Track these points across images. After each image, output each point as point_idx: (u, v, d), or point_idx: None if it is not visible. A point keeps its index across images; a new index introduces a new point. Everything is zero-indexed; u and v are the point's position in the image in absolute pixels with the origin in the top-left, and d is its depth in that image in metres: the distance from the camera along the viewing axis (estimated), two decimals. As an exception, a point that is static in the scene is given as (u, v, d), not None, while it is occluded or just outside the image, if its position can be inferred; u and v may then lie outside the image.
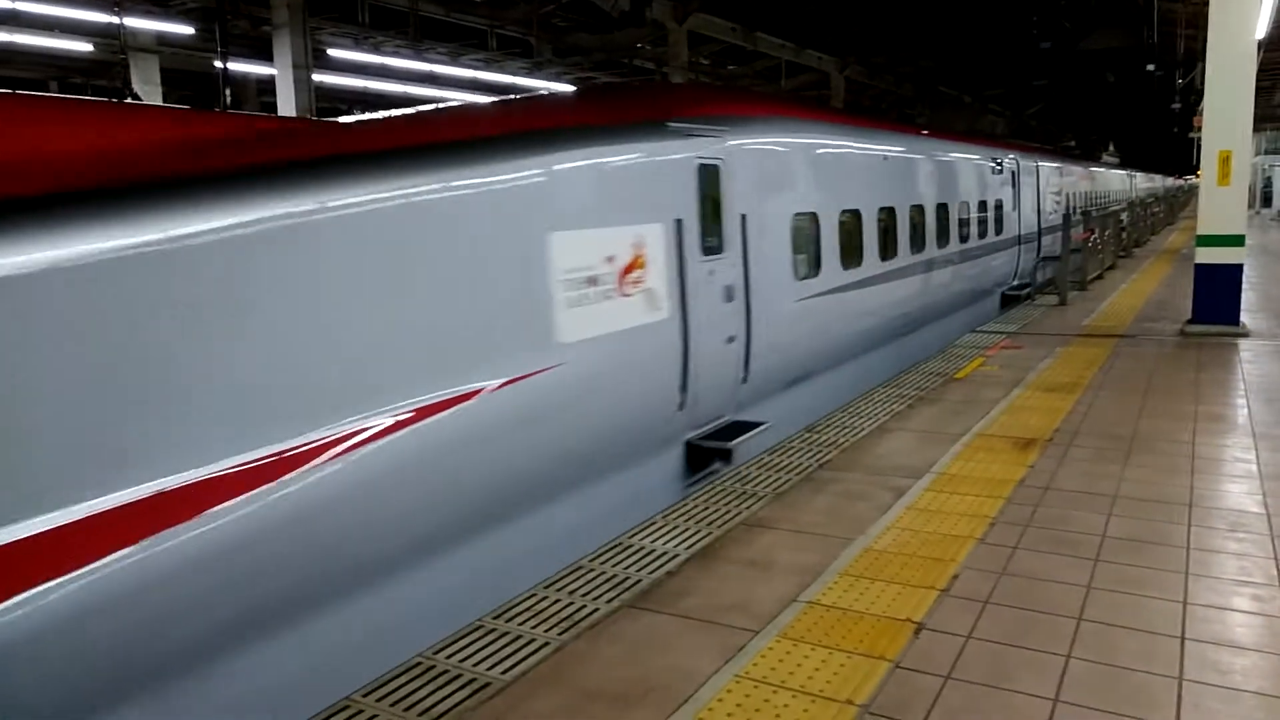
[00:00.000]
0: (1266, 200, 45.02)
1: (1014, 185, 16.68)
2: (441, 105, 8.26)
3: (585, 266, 5.67)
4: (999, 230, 15.53)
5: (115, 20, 14.10)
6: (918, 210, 11.56)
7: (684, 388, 6.66)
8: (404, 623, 4.57)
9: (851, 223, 9.65)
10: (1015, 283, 17.44)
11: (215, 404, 3.74)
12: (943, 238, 12.46)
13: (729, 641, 3.86)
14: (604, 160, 6.01)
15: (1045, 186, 19.44)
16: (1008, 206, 16.25)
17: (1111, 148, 48.15)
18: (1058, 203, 20.88)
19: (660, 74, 17.39)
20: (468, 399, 4.73)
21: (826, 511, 5.36)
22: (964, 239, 13.56)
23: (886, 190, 10.61)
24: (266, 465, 3.85)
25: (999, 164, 15.65)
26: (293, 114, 16.41)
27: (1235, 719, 3.21)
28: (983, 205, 14.61)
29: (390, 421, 4.35)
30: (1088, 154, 41.49)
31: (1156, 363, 9.30)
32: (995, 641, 3.79)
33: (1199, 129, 12.41)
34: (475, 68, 20.42)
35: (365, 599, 4.47)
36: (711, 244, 7.07)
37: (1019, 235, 17.11)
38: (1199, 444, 6.46)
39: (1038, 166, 18.88)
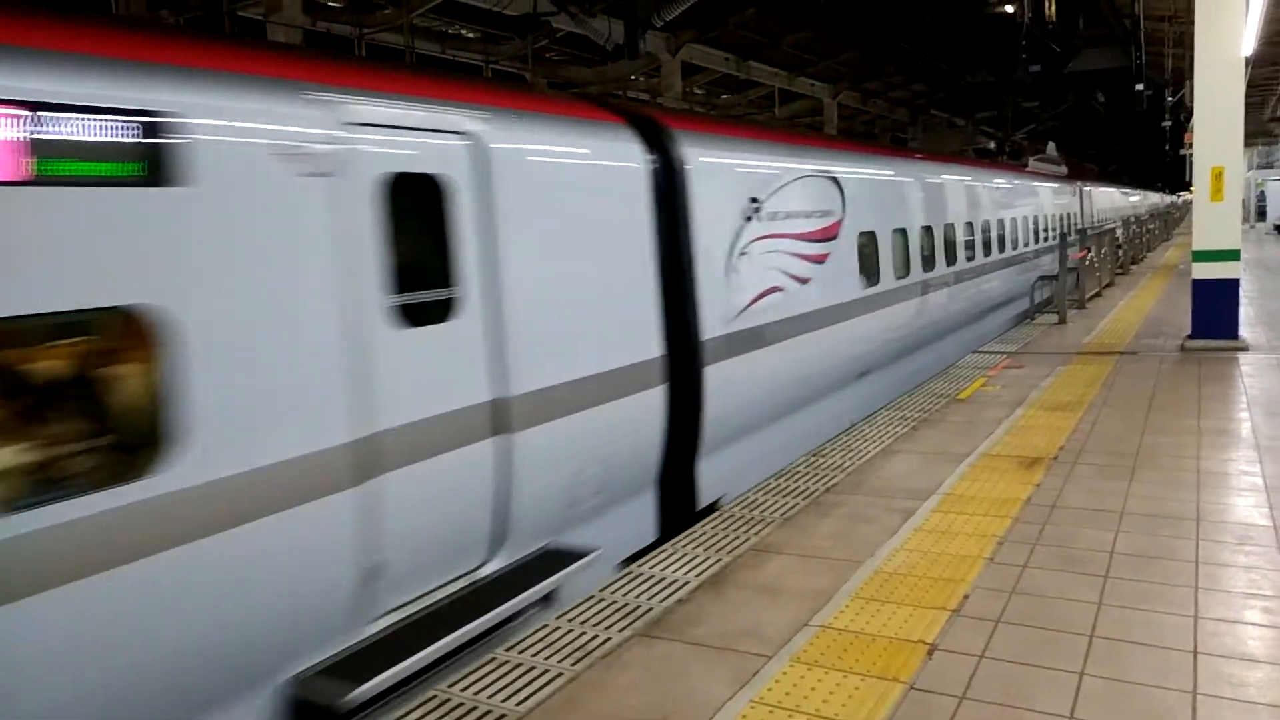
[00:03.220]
0: (1261, 214, 45.35)
1: (646, 221, 6.25)
2: None
3: None
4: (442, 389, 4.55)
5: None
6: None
7: None
8: None
9: None
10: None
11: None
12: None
13: (742, 667, 3.87)
14: None
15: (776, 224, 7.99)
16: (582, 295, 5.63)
17: (1051, 148, 26.37)
18: (869, 256, 9.89)
19: (655, 104, 17.68)
20: None
21: (835, 535, 5.37)
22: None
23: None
24: None
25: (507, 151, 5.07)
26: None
27: (1251, 732, 3.22)
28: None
29: None
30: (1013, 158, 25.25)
31: (1158, 379, 9.34)
32: (1008, 660, 3.80)
33: (1190, 145, 12.52)
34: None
35: None
36: None
37: (674, 369, 6.45)
38: (1203, 459, 6.48)
39: (782, 170, 8.19)
